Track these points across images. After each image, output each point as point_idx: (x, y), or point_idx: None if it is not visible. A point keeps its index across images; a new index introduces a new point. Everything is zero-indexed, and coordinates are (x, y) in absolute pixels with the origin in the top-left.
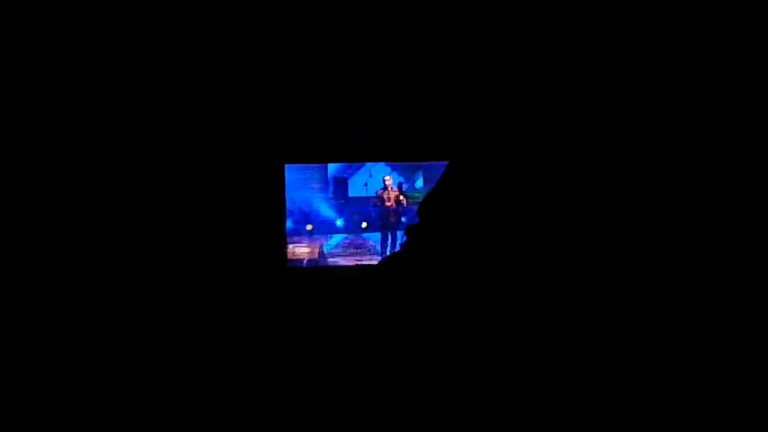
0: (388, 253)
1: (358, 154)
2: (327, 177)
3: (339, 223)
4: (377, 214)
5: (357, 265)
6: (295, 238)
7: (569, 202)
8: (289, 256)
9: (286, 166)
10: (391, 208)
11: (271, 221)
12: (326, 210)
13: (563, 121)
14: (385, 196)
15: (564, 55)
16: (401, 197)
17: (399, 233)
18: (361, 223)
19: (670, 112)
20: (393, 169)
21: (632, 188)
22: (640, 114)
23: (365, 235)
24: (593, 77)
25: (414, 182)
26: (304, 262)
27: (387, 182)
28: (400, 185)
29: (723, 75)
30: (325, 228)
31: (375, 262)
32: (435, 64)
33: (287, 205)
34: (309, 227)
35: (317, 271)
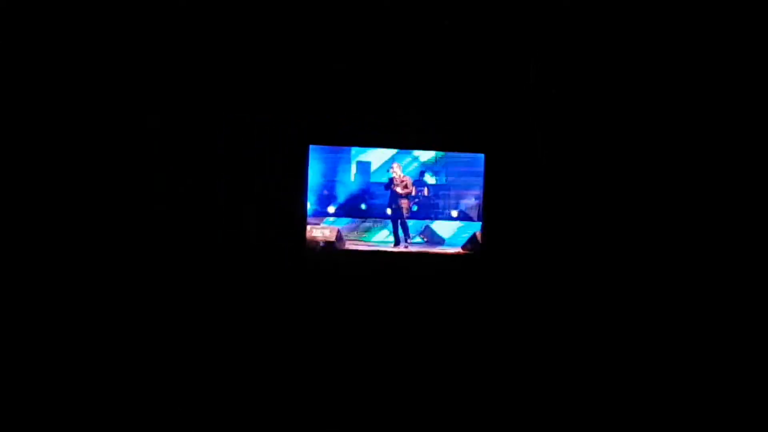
0: (400, 240)
1: (380, 140)
2: (350, 160)
3: (363, 207)
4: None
5: (372, 251)
6: (314, 220)
7: (569, 202)
8: (307, 237)
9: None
10: (402, 195)
11: (293, 202)
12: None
13: (565, 123)
14: (398, 182)
15: (564, 55)
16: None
17: (409, 221)
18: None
19: (670, 112)
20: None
21: (632, 188)
22: (640, 114)
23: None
24: (593, 77)
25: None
26: (321, 244)
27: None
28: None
29: (722, 75)
30: (346, 211)
31: (389, 249)
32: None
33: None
34: (331, 209)
35: (333, 256)
